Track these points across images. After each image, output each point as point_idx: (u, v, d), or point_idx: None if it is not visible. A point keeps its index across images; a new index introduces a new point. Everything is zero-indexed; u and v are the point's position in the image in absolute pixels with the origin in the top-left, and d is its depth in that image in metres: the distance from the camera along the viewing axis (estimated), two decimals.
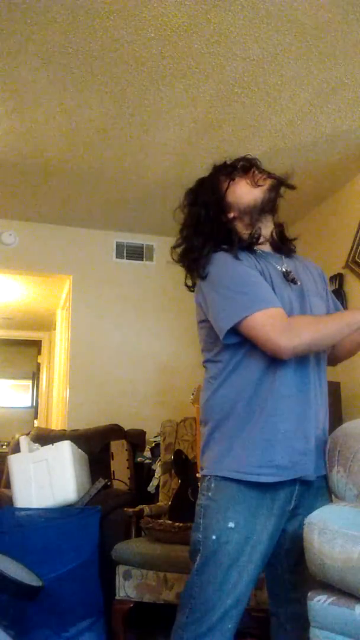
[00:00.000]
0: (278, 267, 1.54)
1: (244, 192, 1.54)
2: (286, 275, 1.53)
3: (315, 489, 1.48)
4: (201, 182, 1.63)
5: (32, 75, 2.51)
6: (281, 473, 1.39)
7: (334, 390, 3.27)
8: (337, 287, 3.49)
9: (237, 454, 1.40)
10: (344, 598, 1.22)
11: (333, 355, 1.64)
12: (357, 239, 3.36)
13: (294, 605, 1.46)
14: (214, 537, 1.37)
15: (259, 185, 1.53)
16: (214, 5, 2.11)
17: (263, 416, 1.39)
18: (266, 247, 1.57)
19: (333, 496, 1.53)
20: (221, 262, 1.47)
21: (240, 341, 1.42)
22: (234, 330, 1.40)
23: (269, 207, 1.55)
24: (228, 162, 1.59)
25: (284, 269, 1.54)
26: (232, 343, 1.42)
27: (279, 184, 1.56)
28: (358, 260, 3.35)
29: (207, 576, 1.37)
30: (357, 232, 3.36)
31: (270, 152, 3.14)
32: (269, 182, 1.54)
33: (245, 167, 1.56)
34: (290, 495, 1.43)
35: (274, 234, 1.59)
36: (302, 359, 1.45)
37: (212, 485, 1.42)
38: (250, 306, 1.37)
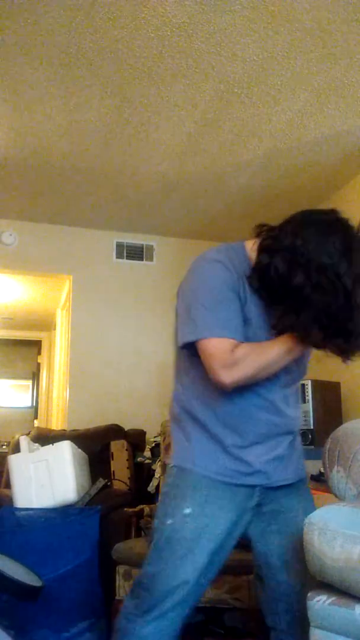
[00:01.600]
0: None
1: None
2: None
3: (293, 489, 1.47)
4: (346, 246, 1.27)
5: (32, 75, 2.51)
6: (237, 477, 1.39)
7: (334, 390, 3.27)
8: None
9: (195, 452, 1.41)
10: (344, 598, 1.22)
11: None
12: None
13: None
14: (169, 521, 1.37)
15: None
16: (214, 5, 2.11)
17: (219, 424, 1.40)
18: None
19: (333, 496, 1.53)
20: (205, 273, 1.39)
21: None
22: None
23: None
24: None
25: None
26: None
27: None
28: None
29: (159, 565, 1.36)
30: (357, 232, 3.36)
31: (270, 152, 3.14)
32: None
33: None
34: (251, 490, 1.42)
35: None
36: (285, 377, 1.43)
37: (174, 472, 1.43)
38: (202, 331, 1.33)
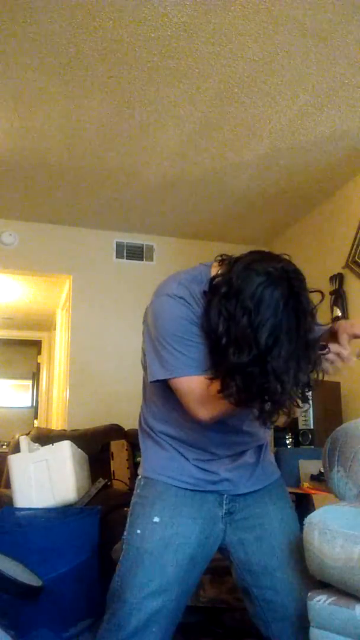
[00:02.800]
0: None
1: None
2: None
3: (264, 493, 1.45)
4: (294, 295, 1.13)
5: (32, 75, 2.51)
6: (202, 484, 1.39)
7: (334, 390, 3.27)
8: (337, 287, 3.49)
9: (162, 463, 1.41)
10: (344, 598, 1.22)
11: None
12: (357, 239, 3.36)
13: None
14: (138, 531, 1.35)
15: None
16: (214, 5, 2.11)
17: (179, 442, 1.40)
18: None
19: (333, 496, 1.53)
20: (167, 310, 1.34)
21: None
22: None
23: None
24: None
25: None
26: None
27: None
28: (358, 260, 3.35)
29: (128, 577, 1.33)
30: (357, 232, 3.36)
31: (270, 152, 3.14)
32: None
33: None
34: (219, 499, 1.41)
35: None
36: None
37: (142, 483, 1.43)
38: (172, 371, 1.30)
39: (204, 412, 1.29)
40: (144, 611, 1.28)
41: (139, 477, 1.46)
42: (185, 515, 1.36)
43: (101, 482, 3.01)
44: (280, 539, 1.40)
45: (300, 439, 3.09)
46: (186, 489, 1.39)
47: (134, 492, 1.45)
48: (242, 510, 1.42)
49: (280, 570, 1.38)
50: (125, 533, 1.40)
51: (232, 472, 1.41)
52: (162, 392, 1.40)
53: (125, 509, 2.79)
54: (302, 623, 1.30)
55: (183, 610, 1.38)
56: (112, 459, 3.38)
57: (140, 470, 1.47)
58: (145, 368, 1.44)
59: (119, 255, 4.43)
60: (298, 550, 1.35)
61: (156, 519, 1.35)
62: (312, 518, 1.29)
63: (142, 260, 4.47)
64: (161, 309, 1.36)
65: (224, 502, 1.41)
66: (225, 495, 1.41)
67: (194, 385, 1.29)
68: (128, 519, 1.41)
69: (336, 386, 3.27)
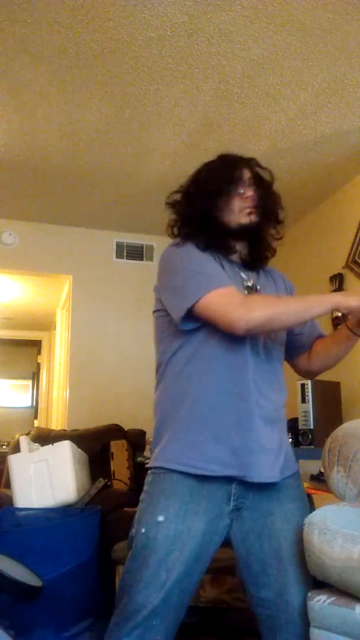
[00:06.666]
0: (244, 276, 1.51)
1: (236, 209, 1.49)
2: (249, 289, 1.49)
3: (275, 492, 1.41)
4: (223, 161, 1.55)
5: (32, 75, 2.51)
6: (210, 468, 1.35)
7: (334, 390, 3.27)
8: (337, 287, 3.49)
9: (174, 447, 1.39)
10: (344, 598, 1.22)
11: (308, 368, 1.62)
12: (357, 239, 3.36)
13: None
14: (143, 530, 1.35)
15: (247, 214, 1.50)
16: (214, 5, 2.11)
17: (206, 412, 1.38)
18: (235, 258, 1.53)
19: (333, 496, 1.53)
20: (174, 249, 1.47)
21: (196, 327, 1.40)
22: (190, 316, 1.37)
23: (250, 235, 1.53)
24: (244, 159, 1.54)
25: (249, 284, 1.50)
26: (189, 329, 1.40)
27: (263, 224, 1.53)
28: (358, 260, 3.35)
29: (135, 575, 1.33)
30: (357, 232, 3.36)
31: (270, 152, 3.14)
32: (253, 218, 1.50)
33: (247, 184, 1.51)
34: (227, 495, 1.38)
35: (244, 253, 1.55)
36: (258, 360, 1.42)
37: (149, 479, 1.42)
38: (202, 287, 1.35)
39: (240, 314, 1.31)
40: (148, 608, 1.30)
41: (148, 470, 1.44)
42: (191, 513, 1.34)
43: (101, 482, 3.01)
44: (284, 539, 1.38)
45: (300, 439, 3.08)
46: (196, 480, 1.35)
47: (144, 487, 1.44)
48: (250, 507, 1.40)
49: (280, 571, 1.37)
50: (132, 531, 1.39)
51: (255, 456, 1.37)
52: (203, 348, 1.41)
53: (125, 509, 2.80)
54: (299, 625, 1.30)
55: (187, 606, 1.38)
56: (112, 459, 3.38)
57: (150, 463, 1.45)
58: (161, 339, 1.50)
59: (119, 255, 4.43)
60: (299, 553, 1.33)
61: (160, 518, 1.34)
62: (312, 518, 1.29)
63: (142, 260, 4.46)
64: (173, 251, 1.48)
65: (232, 498, 1.38)
66: (234, 491, 1.38)
67: (225, 292, 1.35)
68: (136, 514, 1.41)
69: (336, 386, 3.27)
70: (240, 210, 1.48)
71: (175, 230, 1.54)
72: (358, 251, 3.35)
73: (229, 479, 1.37)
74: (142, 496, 1.42)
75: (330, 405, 3.20)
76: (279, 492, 1.42)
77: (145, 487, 1.42)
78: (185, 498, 1.35)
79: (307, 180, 3.48)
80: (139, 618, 1.30)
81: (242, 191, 1.48)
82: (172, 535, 1.32)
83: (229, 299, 1.34)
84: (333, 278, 3.52)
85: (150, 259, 4.47)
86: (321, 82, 2.54)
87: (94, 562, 2.57)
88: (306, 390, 3.10)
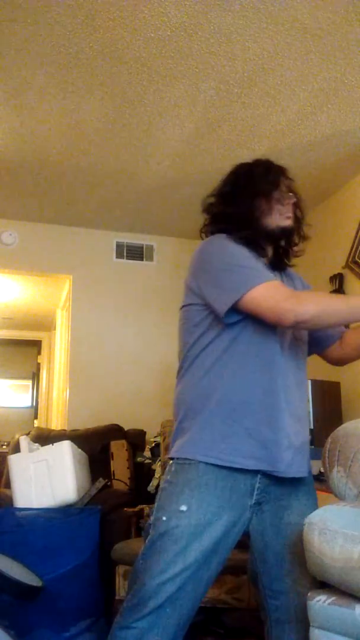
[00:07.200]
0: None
1: (276, 213, 1.56)
2: None
3: (294, 487, 1.45)
4: (264, 166, 1.59)
5: (32, 75, 2.51)
6: (240, 462, 1.37)
7: (334, 390, 3.27)
8: (337, 287, 3.49)
9: (203, 439, 1.39)
10: (344, 598, 1.22)
11: (342, 356, 1.65)
12: (357, 239, 3.36)
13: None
14: (164, 518, 1.35)
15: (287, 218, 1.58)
16: (214, 5, 2.11)
17: (237, 406, 1.39)
18: (264, 259, 1.58)
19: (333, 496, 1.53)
20: (218, 242, 1.49)
21: (237, 321, 1.42)
22: (233, 309, 1.39)
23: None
24: (282, 167, 1.60)
25: None
26: (232, 322, 1.42)
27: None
28: (358, 260, 3.35)
29: (151, 561, 1.34)
30: (357, 232, 3.36)
31: (270, 152, 3.14)
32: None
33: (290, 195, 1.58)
34: (251, 488, 1.39)
35: (270, 256, 1.61)
36: (286, 357, 1.46)
37: (173, 469, 1.42)
38: (250, 280, 1.38)
39: (290, 305, 1.34)
40: (161, 595, 1.31)
41: (170, 461, 1.44)
42: (213, 504, 1.35)
43: (101, 482, 3.01)
44: (299, 533, 1.40)
45: None
46: (222, 472, 1.36)
47: (165, 476, 1.44)
48: (270, 501, 1.43)
49: (293, 564, 1.40)
50: (151, 517, 1.40)
51: (285, 451, 1.39)
52: (217, 347, 1.43)
53: (126, 509, 2.80)
54: (303, 622, 1.31)
55: (200, 599, 1.38)
56: (112, 459, 3.38)
57: (173, 453, 1.44)
58: (191, 332, 1.49)
59: (119, 255, 4.43)
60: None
61: (183, 507, 1.34)
62: (312, 518, 1.29)
63: (142, 260, 4.47)
64: (214, 243, 1.50)
65: (255, 492, 1.40)
66: (258, 485, 1.40)
67: (276, 285, 1.39)
68: (156, 502, 1.41)
69: (336, 386, 3.27)
70: (281, 214, 1.54)
71: (211, 227, 1.58)
72: (358, 251, 3.35)
73: (254, 473, 1.39)
74: (163, 484, 1.43)
75: (330, 405, 3.20)
76: (297, 487, 1.46)
77: (167, 477, 1.42)
78: (210, 490, 1.36)
79: (307, 180, 3.47)
80: (152, 604, 1.31)
81: (285, 197, 1.55)
82: (194, 525, 1.34)
83: (279, 291, 1.37)
84: (333, 278, 3.52)
85: (150, 259, 4.47)
86: (321, 82, 2.54)
87: (94, 562, 2.57)
88: (306, 390, 3.10)
